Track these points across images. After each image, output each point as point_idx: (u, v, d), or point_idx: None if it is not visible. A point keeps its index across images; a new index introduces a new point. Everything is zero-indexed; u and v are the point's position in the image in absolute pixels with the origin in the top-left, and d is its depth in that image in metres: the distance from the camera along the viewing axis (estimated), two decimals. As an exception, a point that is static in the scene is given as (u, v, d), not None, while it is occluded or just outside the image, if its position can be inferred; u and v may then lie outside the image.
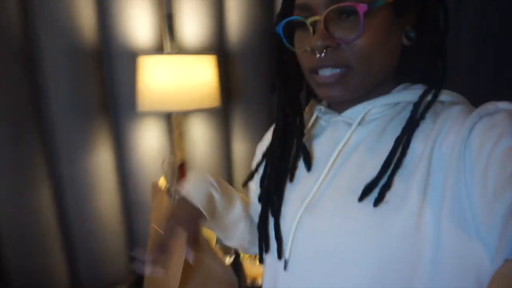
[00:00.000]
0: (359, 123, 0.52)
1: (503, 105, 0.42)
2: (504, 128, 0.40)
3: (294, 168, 0.56)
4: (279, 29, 0.52)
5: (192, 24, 1.43)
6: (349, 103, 0.54)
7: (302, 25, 0.49)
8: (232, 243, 0.74)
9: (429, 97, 0.49)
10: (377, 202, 0.45)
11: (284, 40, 0.52)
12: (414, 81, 0.54)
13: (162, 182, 1.15)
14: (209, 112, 1.50)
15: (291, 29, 0.52)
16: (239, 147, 1.63)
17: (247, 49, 1.52)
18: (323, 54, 0.47)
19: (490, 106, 0.43)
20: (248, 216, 0.71)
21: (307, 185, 0.53)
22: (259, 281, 1.24)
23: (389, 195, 0.45)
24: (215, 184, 0.66)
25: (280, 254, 0.54)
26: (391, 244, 0.44)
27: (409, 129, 0.47)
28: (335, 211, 0.49)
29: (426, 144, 0.46)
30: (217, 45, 1.49)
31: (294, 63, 0.55)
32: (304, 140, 0.56)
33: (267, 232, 0.58)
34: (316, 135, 0.58)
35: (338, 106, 0.57)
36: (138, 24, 1.36)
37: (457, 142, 0.42)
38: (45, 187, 1.33)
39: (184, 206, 0.62)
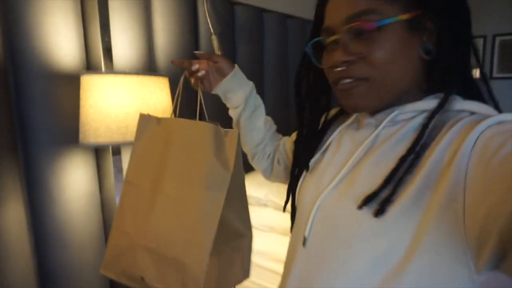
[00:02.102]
0: (386, 126, 0.56)
1: (510, 116, 0.45)
2: (508, 137, 0.41)
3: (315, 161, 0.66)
4: (308, 48, 0.59)
5: (122, 43, 1.24)
6: (383, 105, 0.57)
7: (326, 45, 0.57)
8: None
9: (435, 106, 0.51)
10: (378, 213, 0.48)
11: (312, 58, 0.59)
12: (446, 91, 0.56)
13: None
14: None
15: (321, 49, 0.59)
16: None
17: (174, 74, 1.43)
18: (342, 68, 0.53)
19: (498, 117, 0.45)
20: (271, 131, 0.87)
21: (331, 173, 0.59)
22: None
23: (391, 208, 0.47)
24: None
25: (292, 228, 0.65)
26: (386, 246, 0.48)
27: (415, 150, 0.49)
28: (346, 205, 0.53)
29: (432, 157, 0.47)
30: (147, 68, 1.34)
31: (323, 79, 0.62)
32: (340, 133, 0.65)
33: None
34: (352, 131, 0.63)
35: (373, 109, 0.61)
36: (57, 37, 1.07)
37: (460, 151, 0.44)
38: None
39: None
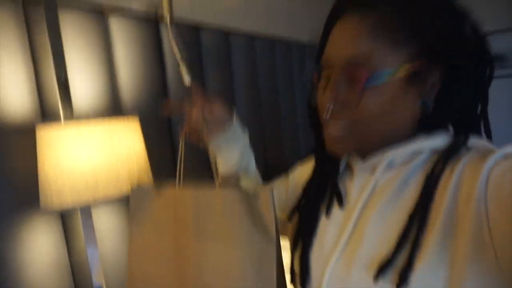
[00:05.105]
0: (381, 172, 0.51)
1: None
2: None
3: (330, 206, 0.56)
4: (307, 76, 0.55)
5: (81, 79, 1.10)
6: (372, 149, 0.52)
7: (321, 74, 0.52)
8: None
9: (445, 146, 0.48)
10: (400, 285, 0.42)
11: (310, 95, 0.54)
12: (434, 126, 0.51)
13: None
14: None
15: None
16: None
17: (143, 111, 1.30)
18: (331, 106, 0.48)
19: (502, 152, 0.42)
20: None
21: (333, 231, 0.53)
22: None
23: (412, 275, 0.42)
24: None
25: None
26: None
27: (425, 205, 0.44)
28: (359, 274, 0.47)
29: (443, 205, 0.43)
30: (112, 107, 1.19)
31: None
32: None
33: (305, 266, 0.55)
34: (344, 181, 0.57)
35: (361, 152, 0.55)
36: (6, 89, 0.92)
37: (474, 195, 0.41)
38: None
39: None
